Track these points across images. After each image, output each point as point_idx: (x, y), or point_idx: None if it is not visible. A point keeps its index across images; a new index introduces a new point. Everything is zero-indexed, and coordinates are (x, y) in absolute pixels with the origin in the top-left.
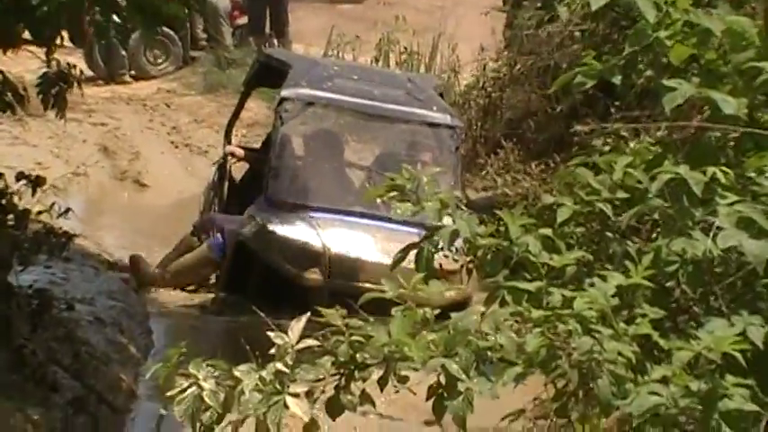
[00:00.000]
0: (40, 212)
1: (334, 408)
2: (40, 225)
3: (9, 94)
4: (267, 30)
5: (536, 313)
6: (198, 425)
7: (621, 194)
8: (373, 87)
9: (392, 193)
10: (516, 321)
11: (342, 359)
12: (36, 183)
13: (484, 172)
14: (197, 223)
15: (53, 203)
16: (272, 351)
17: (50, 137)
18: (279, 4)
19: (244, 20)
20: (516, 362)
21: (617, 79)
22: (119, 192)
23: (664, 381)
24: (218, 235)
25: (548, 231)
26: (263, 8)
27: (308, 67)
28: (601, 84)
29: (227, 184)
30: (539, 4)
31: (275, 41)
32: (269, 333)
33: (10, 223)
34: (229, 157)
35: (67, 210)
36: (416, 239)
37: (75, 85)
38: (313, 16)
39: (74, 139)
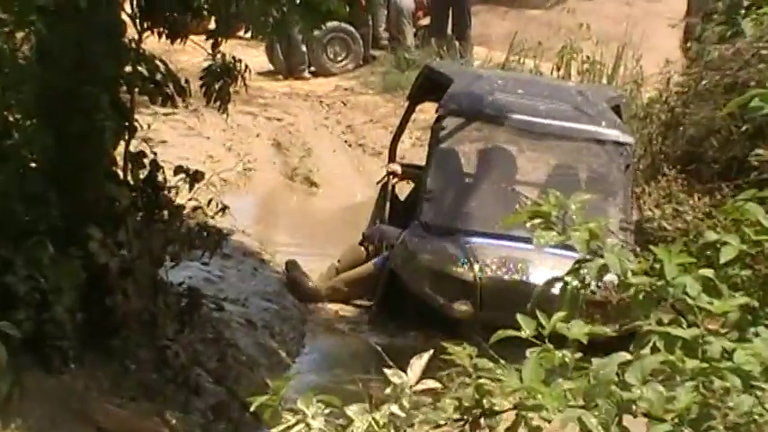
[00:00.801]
0: (195, 209)
1: None
2: (196, 221)
3: (171, 85)
4: (449, 32)
5: (690, 364)
6: None
7: None
8: (538, 102)
9: (536, 220)
10: (667, 372)
11: (467, 404)
12: (194, 178)
13: (642, 201)
14: (367, 233)
15: (210, 200)
16: (388, 391)
17: (224, 129)
18: (461, 5)
19: (427, 20)
20: (664, 418)
21: None
22: (287, 189)
23: None
24: (386, 253)
25: (709, 272)
26: (446, 9)
27: (469, 81)
28: None
29: (389, 202)
30: (722, 18)
31: (456, 44)
32: (386, 371)
33: (164, 219)
34: (392, 175)
35: (224, 207)
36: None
37: (240, 79)
38: (499, 20)
39: (248, 132)
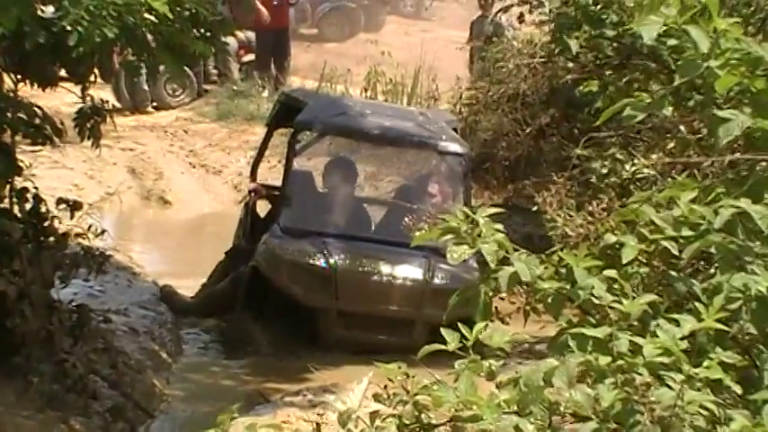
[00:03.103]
0: (78, 235)
1: None
2: (78, 245)
3: (48, 127)
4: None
5: (603, 361)
6: None
7: (687, 232)
8: (384, 120)
9: (447, 236)
10: (584, 371)
11: (406, 421)
12: (74, 207)
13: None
14: (230, 251)
15: (90, 226)
16: (334, 418)
17: (84, 161)
18: (282, 42)
19: (249, 57)
20: (591, 417)
21: (667, 110)
22: (146, 208)
23: None
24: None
25: (612, 273)
26: (269, 47)
27: (323, 102)
28: (564, 105)
29: (250, 220)
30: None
31: (275, 73)
32: (327, 398)
33: (51, 246)
34: (252, 195)
35: (103, 231)
36: (424, 262)
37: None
38: (303, 53)
39: (105, 162)
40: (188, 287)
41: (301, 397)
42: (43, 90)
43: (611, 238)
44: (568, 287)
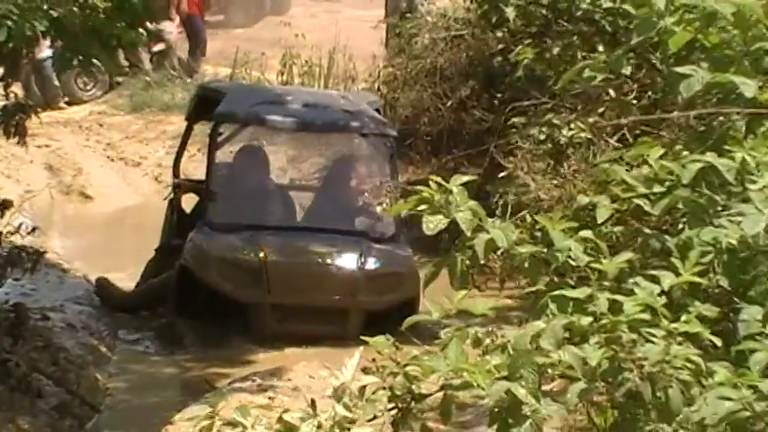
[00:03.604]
0: (9, 233)
1: None
2: (10, 243)
3: None
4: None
5: (585, 321)
6: None
7: (658, 188)
8: (306, 106)
9: (421, 207)
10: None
11: (398, 392)
12: (3, 205)
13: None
14: (159, 249)
15: (20, 224)
16: (329, 392)
17: (0, 160)
18: (195, 30)
19: (159, 47)
20: (579, 377)
21: (626, 70)
22: (66, 203)
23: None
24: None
25: (588, 234)
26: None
27: (241, 92)
28: (484, 77)
29: (176, 215)
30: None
31: (187, 60)
32: (322, 372)
33: None
34: (177, 190)
35: (34, 229)
36: (354, 248)
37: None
38: (212, 40)
39: (21, 160)
40: (117, 279)
41: (250, 382)
42: None
43: (583, 200)
44: (545, 251)
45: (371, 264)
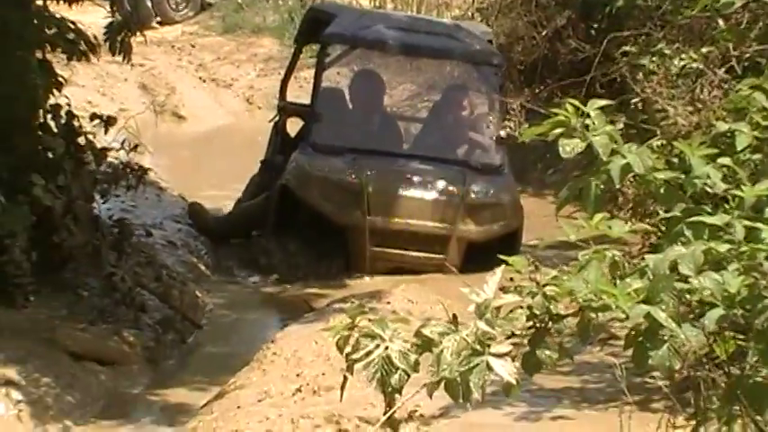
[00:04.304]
0: (111, 150)
1: (531, 364)
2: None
3: (83, 42)
4: None
5: (723, 247)
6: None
7: None
8: (416, 32)
9: (557, 130)
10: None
11: (536, 312)
12: (108, 122)
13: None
14: (262, 166)
15: (124, 140)
16: (470, 309)
17: (95, 78)
18: None
19: None
20: (718, 304)
21: None
22: (160, 122)
23: None
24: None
25: (727, 161)
26: None
27: (352, 16)
28: (581, 6)
29: (280, 137)
30: None
31: None
32: (462, 289)
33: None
34: (282, 113)
35: (136, 146)
36: (458, 177)
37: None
38: None
39: (116, 79)
40: (209, 198)
41: (349, 304)
42: (70, 6)
43: (722, 126)
44: (682, 177)
45: (473, 193)
